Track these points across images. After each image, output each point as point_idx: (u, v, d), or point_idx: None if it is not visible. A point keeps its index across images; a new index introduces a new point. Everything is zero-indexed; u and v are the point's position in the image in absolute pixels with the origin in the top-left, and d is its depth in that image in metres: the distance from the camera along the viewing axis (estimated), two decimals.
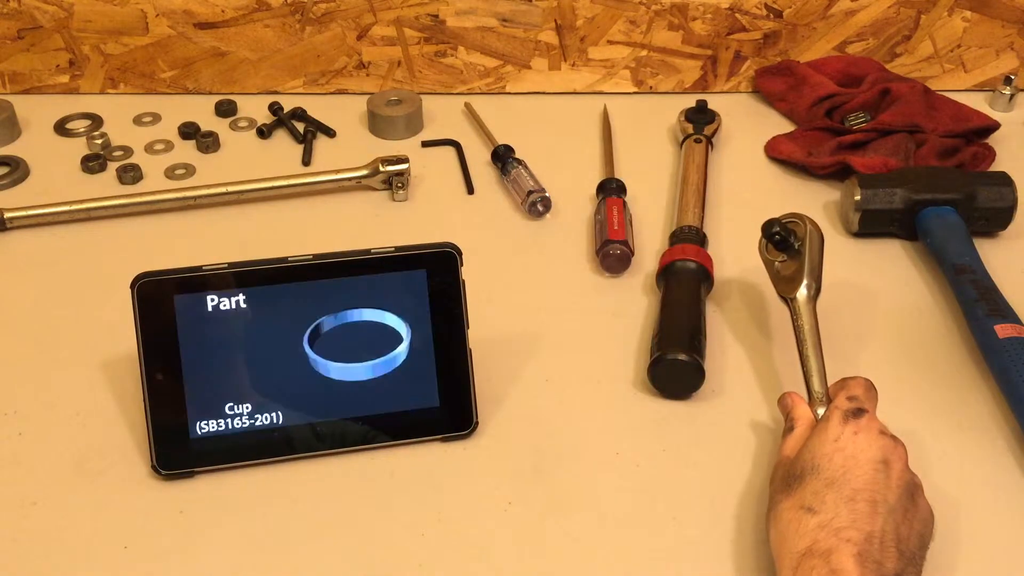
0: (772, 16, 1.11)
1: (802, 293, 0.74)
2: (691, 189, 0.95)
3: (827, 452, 0.62)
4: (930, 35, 1.13)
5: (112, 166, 1.01)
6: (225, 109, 1.10)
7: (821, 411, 0.68)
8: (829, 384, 0.70)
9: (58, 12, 1.07)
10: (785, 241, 0.77)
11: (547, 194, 0.95)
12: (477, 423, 0.72)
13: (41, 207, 0.93)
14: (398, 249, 0.71)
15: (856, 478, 0.60)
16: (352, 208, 0.97)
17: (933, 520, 0.62)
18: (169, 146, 1.06)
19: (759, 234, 0.79)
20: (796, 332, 0.73)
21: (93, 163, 1.01)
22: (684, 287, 0.82)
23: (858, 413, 0.64)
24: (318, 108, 1.10)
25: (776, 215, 0.79)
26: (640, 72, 1.15)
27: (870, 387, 0.68)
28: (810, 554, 0.56)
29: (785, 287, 0.76)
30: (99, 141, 1.04)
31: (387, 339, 0.71)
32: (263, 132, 1.07)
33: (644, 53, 1.13)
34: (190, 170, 1.02)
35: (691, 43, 1.13)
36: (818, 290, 0.75)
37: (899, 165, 0.97)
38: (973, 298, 0.81)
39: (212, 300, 0.68)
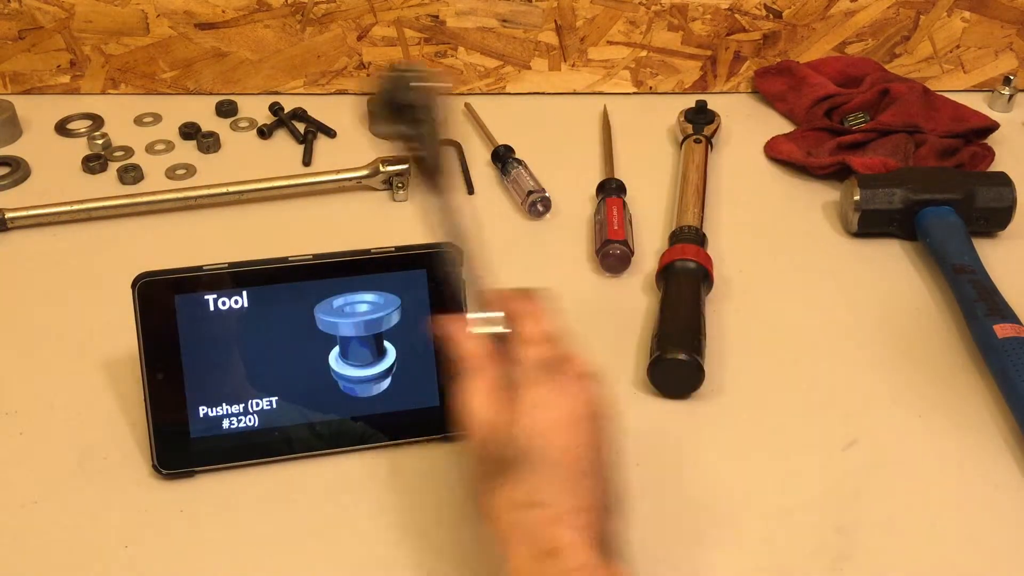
0: (772, 17, 1.11)
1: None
2: (691, 189, 0.95)
3: (537, 428, 0.54)
4: (929, 36, 1.13)
5: (113, 166, 1.01)
6: (226, 109, 1.10)
7: (484, 321, 0.58)
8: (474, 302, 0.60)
9: (59, 12, 1.07)
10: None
11: (547, 194, 0.95)
12: None
13: (42, 207, 0.93)
14: (398, 249, 0.71)
15: (572, 450, 0.54)
16: (352, 208, 0.97)
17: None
18: (170, 146, 1.06)
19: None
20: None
21: (94, 163, 1.01)
22: (684, 287, 0.82)
23: (554, 364, 0.57)
24: (318, 108, 1.10)
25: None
26: (640, 72, 1.15)
27: (532, 300, 0.60)
28: (547, 555, 0.53)
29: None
30: (100, 141, 1.04)
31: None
32: (264, 132, 1.07)
33: (644, 53, 1.13)
34: (191, 170, 1.02)
35: (691, 44, 1.13)
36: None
37: (898, 165, 0.97)
38: (972, 298, 0.81)
39: (212, 300, 0.68)
